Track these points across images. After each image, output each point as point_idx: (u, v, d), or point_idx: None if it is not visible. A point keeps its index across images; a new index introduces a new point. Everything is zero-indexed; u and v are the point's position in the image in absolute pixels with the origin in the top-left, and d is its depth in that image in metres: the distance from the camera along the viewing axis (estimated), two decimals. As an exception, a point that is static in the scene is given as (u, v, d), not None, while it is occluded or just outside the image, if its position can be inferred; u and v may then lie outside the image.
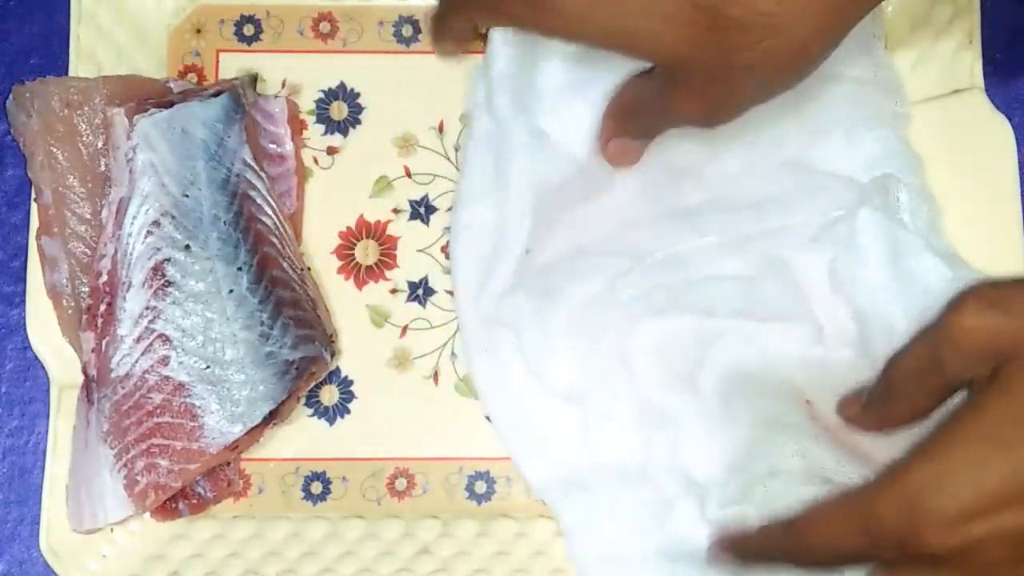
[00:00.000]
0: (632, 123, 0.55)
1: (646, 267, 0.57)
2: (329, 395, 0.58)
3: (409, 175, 0.61)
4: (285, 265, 0.57)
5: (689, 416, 0.55)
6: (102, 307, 0.54)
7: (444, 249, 0.60)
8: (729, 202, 0.58)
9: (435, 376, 0.59)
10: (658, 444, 0.55)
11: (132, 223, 0.55)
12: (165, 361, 0.54)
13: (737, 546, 0.44)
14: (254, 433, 0.55)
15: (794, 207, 0.58)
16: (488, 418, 0.58)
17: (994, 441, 0.37)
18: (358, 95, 0.61)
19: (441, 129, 0.61)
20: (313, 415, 0.58)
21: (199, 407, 0.54)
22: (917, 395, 0.43)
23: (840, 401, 0.50)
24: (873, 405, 0.47)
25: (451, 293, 0.59)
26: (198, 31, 0.61)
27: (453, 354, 0.59)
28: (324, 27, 0.61)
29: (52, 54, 0.61)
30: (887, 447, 0.53)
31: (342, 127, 0.61)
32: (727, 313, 0.56)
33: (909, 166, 0.58)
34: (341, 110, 0.61)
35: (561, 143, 0.57)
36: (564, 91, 0.57)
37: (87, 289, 0.55)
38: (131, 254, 0.55)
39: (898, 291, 0.56)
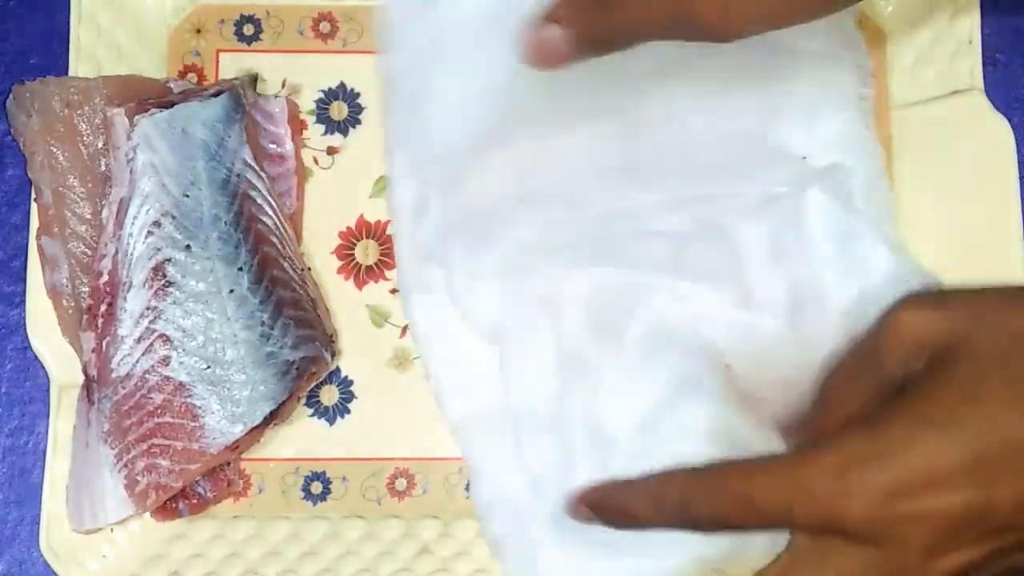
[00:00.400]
0: (600, 18, 0.47)
1: (581, 219, 0.57)
2: (329, 395, 0.58)
3: (409, 175, 0.61)
4: (285, 265, 0.57)
5: (608, 369, 0.55)
6: (103, 307, 0.54)
7: (444, 249, 0.60)
8: (679, 163, 0.58)
9: (435, 376, 0.59)
10: (574, 394, 0.55)
11: (133, 223, 0.55)
12: (166, 361, 0.54)
13: (616, 497, 0.41)
14: (254, 433, 0.55)
15: (739, 176, 0.58)
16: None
17: (931, 422, 0.36)
18: (358, 95, 0.61)
19: (441, 129, 0.61)
20: (313, 415, 0.58)
21: (200, 407, 0.54)
22: (852, 399, 0.41)
23: (783, 425, 0.48)
24: (808, 420, 0.44)
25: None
26: (198, 31, 0.61)
27: (453, 354, 0.59)
28: (324, 27, 0.61)
29: (52, 54, 0.61)
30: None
31: (342, 127, 0.61)
32: (655, 269, 0.56)
33: (868, 151, 0.59)
34: (341, 110, 0.61)
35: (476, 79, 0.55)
36: (479, 28, 0.54)
37: (87, 289, 0.55)
38: (132, 254, 0.55)
39: (839, 272, 0.56)
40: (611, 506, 0.41)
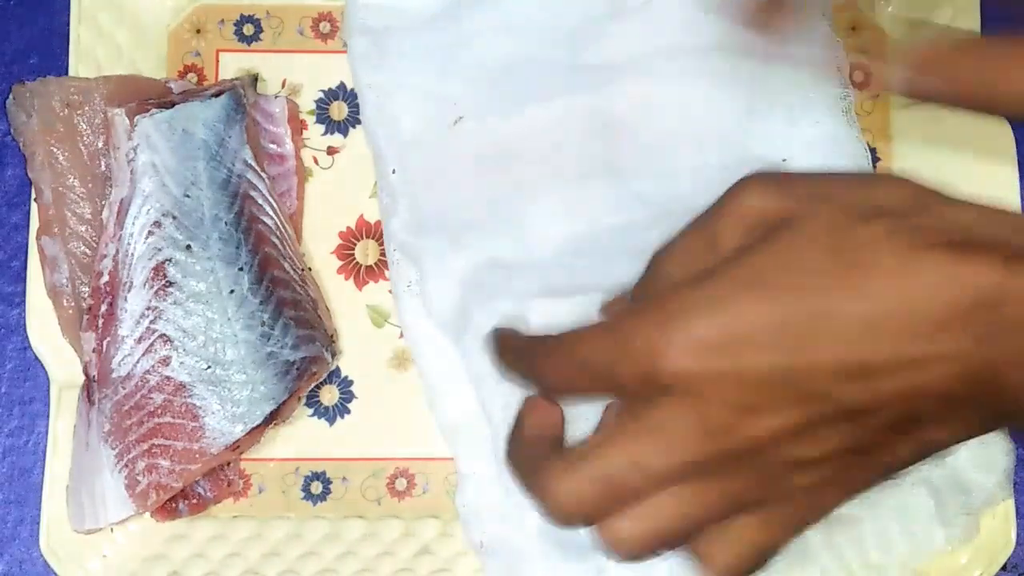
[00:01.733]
0: None
1: (550, 247, 0.57)
2: (329, 395, 0.58)
3: (409, 175, 0.61)
4: (286, 265, 0.57)
5: None
6: (103, 307, 0.54)
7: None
8: (655, 166, 0.58)
9: (435, 376, 0.59)
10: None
11: (133, 223, 0.55)
12: (166, 361, 0.54)
13: (503, 345, 0.42)
14: (255, 433, 0.55)
15: (717, 181, 0.58)
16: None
17: (751, 285, 0.36)
18: (358, 95, 0.61)
19: (441, 129, 0.61)
20: (313, 415, 0.58)
21: (200, 407, 0.54)
22: (683, 271, 0.40)
23: (605, 303, 0.47)
24: (634, 291, 0.43)
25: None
26: (198, 31, 0.61)
27: (453, 354, 0.59)
28: (324, 27, 0.61)
29: (52, 54, 0.61)
30: None
31: (342, 127, 0.61)
32: (622, 288, 0.56)
33: (850, 152, 0.59)
34: (341, 110, 0.61)
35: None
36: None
37: (87, 289, 0.55)
38: (132, 254, 0.55)
39: None
40: (494, 351, 0.42)
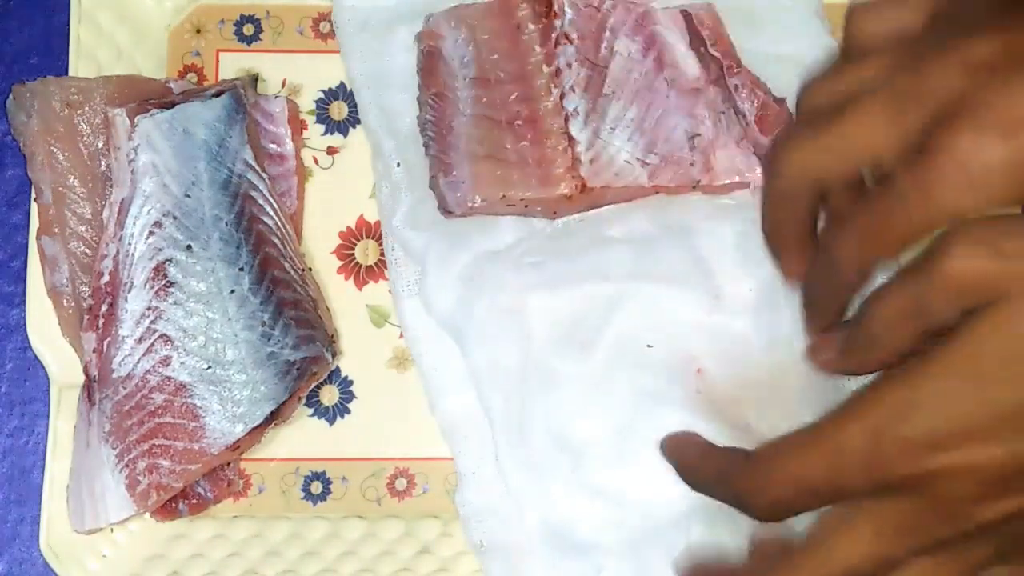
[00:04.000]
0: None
1: (546, 235, 0.57)
2: (329, 395, 0.58)
3: (409, 175, 0.61)
4: (286, 265, 0.57)
5: (572, 380, 0.55)
6: (104, 307, 0.55)
7: (444, 249, 0.60)
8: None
9: (435, 376, 0.59)
10: (539, 404, 0.55)
11: (134, 223, 0.55)
12: (167, 361, 0.54)
13: (688, 467, 0.41)
14: (255, 433, 0.55)
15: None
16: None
17: (968, 375, 0.35)
18: (353, 91, 0.61)
19: (441, 129, 0.61)
20: (313, 415, 0.58)
21: (200, 407, 0.54)
22: (900, 340, 0.39)
23: (810, 347, 0.45)
24: (852, 352, 0.42)
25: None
26: (198, 31, 0.61)
27: (453, 354, 0.59)
28: (324, 27, 0.61)
29: (52, 54, 0.61)
30: (771, 419, 0.54)
31: (342, 127, 0.61)
32: (621, 276, 0.56)
33: None
34: (341, 110, 0.61)
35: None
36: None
37: (88, 289, 0.56)
38: (133, 254, 0.55)
39: None
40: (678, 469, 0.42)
